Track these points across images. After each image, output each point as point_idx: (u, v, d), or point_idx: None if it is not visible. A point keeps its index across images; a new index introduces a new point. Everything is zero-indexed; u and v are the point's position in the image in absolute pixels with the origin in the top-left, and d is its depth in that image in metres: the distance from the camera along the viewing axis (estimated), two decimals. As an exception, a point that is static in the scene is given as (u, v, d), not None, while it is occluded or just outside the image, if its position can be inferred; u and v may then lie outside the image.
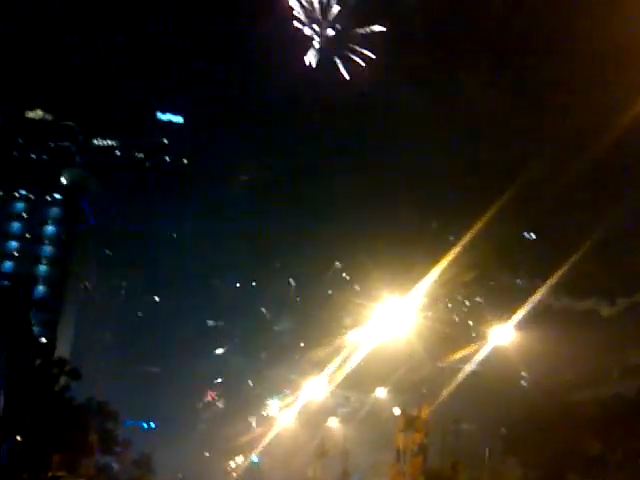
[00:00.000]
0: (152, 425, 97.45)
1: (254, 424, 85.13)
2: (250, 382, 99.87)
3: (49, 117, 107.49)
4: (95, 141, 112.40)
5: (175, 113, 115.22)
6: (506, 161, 65.70)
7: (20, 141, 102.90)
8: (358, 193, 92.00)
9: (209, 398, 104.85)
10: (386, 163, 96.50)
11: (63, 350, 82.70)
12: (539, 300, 51.59)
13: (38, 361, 51.55)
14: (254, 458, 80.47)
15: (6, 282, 55.03)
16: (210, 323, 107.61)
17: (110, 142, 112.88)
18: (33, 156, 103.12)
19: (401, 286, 50.17)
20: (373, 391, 67.76)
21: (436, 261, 55.31)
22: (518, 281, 67.79)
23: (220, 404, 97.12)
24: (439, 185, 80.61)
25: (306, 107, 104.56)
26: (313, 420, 73.54)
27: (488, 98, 76.95)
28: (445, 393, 53.54)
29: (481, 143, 78.71)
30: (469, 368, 56.48)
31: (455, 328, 63.27)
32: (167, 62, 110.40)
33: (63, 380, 53.55)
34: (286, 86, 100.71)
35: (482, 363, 56.89)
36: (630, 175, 54.52)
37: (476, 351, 55.56)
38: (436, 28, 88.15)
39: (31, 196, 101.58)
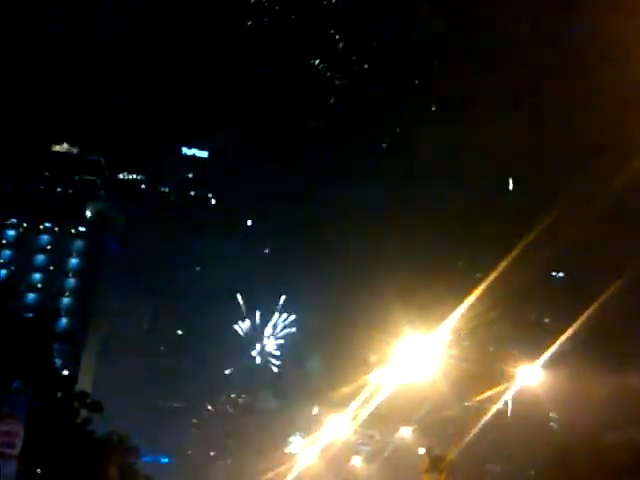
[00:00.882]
0: (167, 460, 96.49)
1: (278, 461, 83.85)
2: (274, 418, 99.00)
3: (75, 150, 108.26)
4: (120, 175, 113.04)
5: (201, 148, 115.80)
6: (534, 198, 65.16)
7: (46, 174, 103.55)
8: (383, 229, 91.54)
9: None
10: (410, 199, 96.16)
11: (85, 382, 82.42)
12: (568, 338, 50.60)
13: (59, 394, 51.18)
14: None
15: (30, 314, 54.54)
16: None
17: (135, 176, 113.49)
18: (59, 189, 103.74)
19: (427, 324, 49.47)
20: (397, 430, 66.75)
21: (462, 299, 54.62)
22: (546, 320, 66.84)
23: (244, 440, 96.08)
24: (466, 222, 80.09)
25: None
26: (336, 458, 72.47)
27: (512, 134, 76.61)
28: (471, 433, 52.43)
29: (505, 179, 78.28)
30: (496, 408, 55.34)
31: (482, 367, 62.13)
32: (195, 96, 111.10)
33: (84, 413, 53.14)
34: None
35: (509, 403, 55.87)
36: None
37: (503, 391, 54.56)
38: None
39: (56, 229, 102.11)
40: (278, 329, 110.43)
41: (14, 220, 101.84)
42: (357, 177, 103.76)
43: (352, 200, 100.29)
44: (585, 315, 51.29)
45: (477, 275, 66.43)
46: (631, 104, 55.93)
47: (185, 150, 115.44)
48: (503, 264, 54.93)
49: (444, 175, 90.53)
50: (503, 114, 79.67)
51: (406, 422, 64.94)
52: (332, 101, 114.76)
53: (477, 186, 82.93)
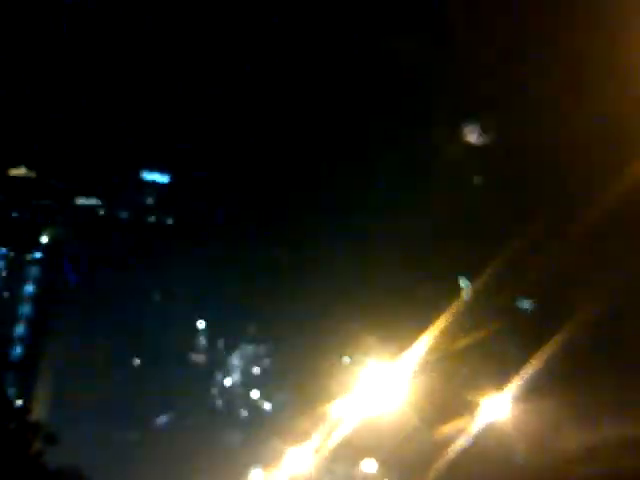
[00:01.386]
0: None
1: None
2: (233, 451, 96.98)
3: (31, 175, 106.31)
4: (78, 200, 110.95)
5: (161, 172, 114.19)
6: (499, 226, 64.79)
7: (1, 198, 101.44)
8: (346, 259, 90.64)
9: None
10: (370, 227, 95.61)
11: (40, 413, 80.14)
12: (537, 369, 50.14)
13: (13, 425, 49.58)
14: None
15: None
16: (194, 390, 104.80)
17: (93, 201, 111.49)
18: (14, 214, 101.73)
19: (391, 354, 48.58)
20: (359, 464, 65.63)
21: (426, 328, 54.02)
22: (513, 349, 66.16)
23: (203, 475, 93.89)
24: (430, 249, 79.46)
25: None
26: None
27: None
28: (437, 467, 51.62)
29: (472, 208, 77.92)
30: (462, 442, 54.68)
31: (448, 398, 61.38)
32: (154, 120, 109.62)
33: (38, 445, 51.51)
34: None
35: (477, 436, 55.15)
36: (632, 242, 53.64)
37: (470, 422, 53.95)
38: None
39: (11, 254, 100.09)
40: (243, 360, 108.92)
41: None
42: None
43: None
44: (553, 347, 50.90)
45: (442, 303, 66.06)
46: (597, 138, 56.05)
47: (145, 175, 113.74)
48: (468, 292, 54.51)
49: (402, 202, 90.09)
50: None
51: (370, 455, 63.83)
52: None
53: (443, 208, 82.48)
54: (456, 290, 66.08)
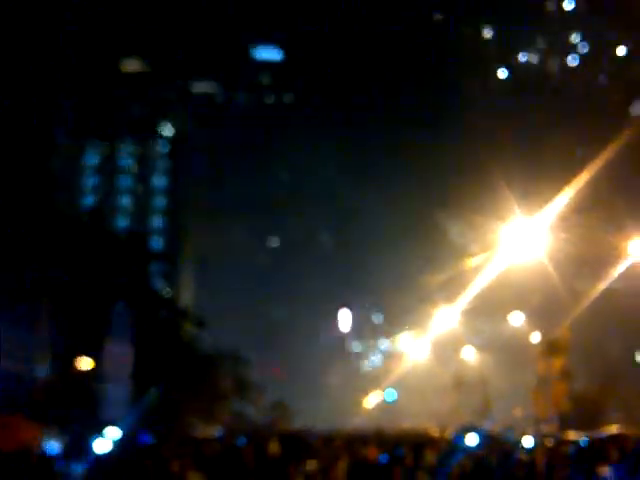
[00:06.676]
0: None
1: (386, 360, 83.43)
2: (379, 318, 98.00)
3: (145, 68, 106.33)
4: (194, 89, 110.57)
5: (273, 50, 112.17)
6: None
7: (120, 95, 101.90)
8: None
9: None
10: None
11: (186, 301, 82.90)
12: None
13: (162, 313, 51.21)
14: (389, 395, 78.67)
15: (122, 237, 54.37)
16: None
17: (210, 88, 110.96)
18: (135, 110, 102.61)
19: (531, 207, 46.69)
20: (507, 318, 64.96)
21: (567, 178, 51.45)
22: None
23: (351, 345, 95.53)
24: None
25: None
26: (446, 352, 71.33)
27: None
28: (585, 315, 50.03)
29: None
30: (608, 286, 52.70)
31: (591, 248, 59.46)
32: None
33: (190, 330, 53.18)
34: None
35: (622, 280, 53.40)
36: None
37: (616, 268, 51.89)
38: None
39: (138, 150, 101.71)
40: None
41: (94, 146, 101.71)
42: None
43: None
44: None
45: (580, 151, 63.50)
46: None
47: (258, 54, 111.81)
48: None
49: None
50: None
51: (515, 309, 63.03)
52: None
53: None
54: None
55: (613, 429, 41.68)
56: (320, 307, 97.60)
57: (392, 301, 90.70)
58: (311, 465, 15.16)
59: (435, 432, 45.66)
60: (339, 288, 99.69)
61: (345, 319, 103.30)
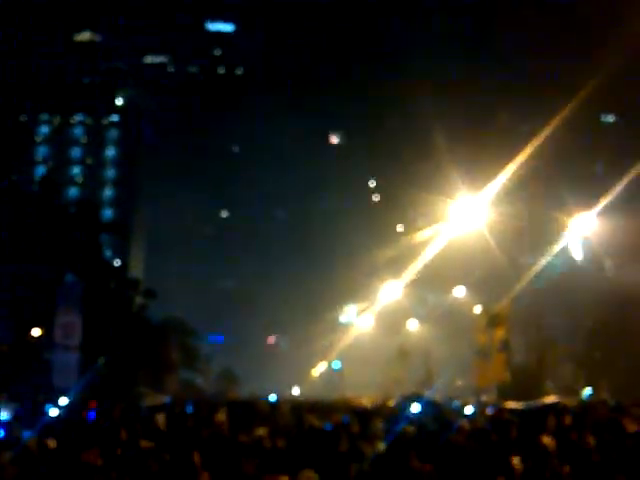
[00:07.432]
0: (221, 339, 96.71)
1: (334, 331, 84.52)
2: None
3: (97, 38, 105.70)
4: (146, 59, 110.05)
5: (225, 21, 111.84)
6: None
7: (71, 66, 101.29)
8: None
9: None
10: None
11: (137, 271, 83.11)
12: (625, 187, 48.91)
13: (112, 284, 51.48)
14: (335, 365, 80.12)
15: (72, 208, 54.40)
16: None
17: (162, 58, 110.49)
18: (86, 80, 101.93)
19: (473, 183, 47.87)
20: (450, 291, 66.50)
21: (509, 155, 52.71)
22: (599, 168, 64.83)
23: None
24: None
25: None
26: (391, 323, 72.84)
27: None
28: (525, 288, 51.50)
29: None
30: (549, 261, 54.27)
31: (533, 222, 61.04)
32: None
33: (139, 300, 53.54)
34: None
35: (563, 255, 55.05)
36: None
37: (557, 244, 53.40)
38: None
39: (88, 121, 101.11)
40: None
41: (45, 116, 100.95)
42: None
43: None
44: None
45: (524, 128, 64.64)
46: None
47: (209, 25, 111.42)
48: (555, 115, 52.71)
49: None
50: None
51: (459, 282, 64.53)
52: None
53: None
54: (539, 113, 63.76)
55: (551, 399, 43.13)
56: (271, 277, 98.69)
57: (341, 275, 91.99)
58: (259, 432, 15.90)
59: (380, 401, 46.90)
60: (290, 258, 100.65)
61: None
